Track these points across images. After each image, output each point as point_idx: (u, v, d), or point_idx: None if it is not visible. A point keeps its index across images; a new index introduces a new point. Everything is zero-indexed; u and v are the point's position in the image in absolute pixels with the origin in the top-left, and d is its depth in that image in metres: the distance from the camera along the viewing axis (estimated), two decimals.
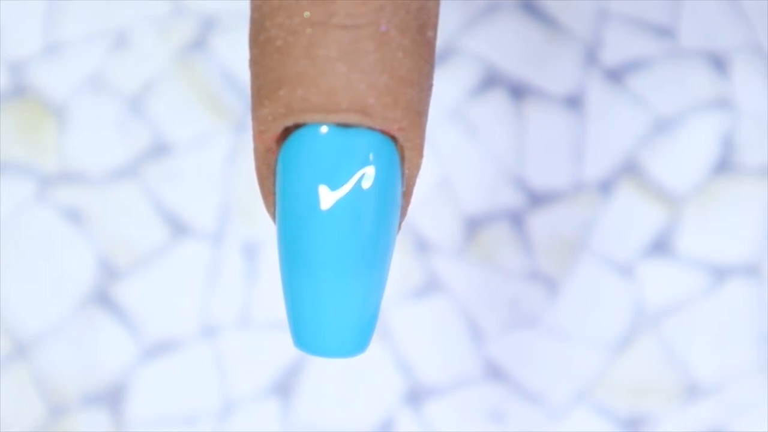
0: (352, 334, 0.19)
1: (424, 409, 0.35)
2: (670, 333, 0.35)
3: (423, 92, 0.19)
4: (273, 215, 0.20)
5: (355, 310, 0.19)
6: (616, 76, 0.36)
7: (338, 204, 0.19)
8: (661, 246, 0.35)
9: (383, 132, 0.19)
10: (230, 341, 0.35)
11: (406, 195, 0.20)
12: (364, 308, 0.19)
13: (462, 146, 0.35)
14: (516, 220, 0.35)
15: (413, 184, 0.20)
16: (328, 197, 0.19)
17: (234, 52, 0.36)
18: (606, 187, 0.35)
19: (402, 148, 0.19)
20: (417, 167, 0.20)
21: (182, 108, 0.36)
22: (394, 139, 0.19)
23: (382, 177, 0.19)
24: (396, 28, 0.18)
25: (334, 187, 0.19)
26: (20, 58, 0.36)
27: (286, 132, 0.19)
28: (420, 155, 0.20)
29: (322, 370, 0.35)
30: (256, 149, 0.20)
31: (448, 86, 0.36)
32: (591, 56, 0.36)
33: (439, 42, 0.36)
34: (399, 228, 0.20)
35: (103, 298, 0.35)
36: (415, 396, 0.35)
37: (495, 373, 0.35)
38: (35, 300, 0.35)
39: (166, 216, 0.35)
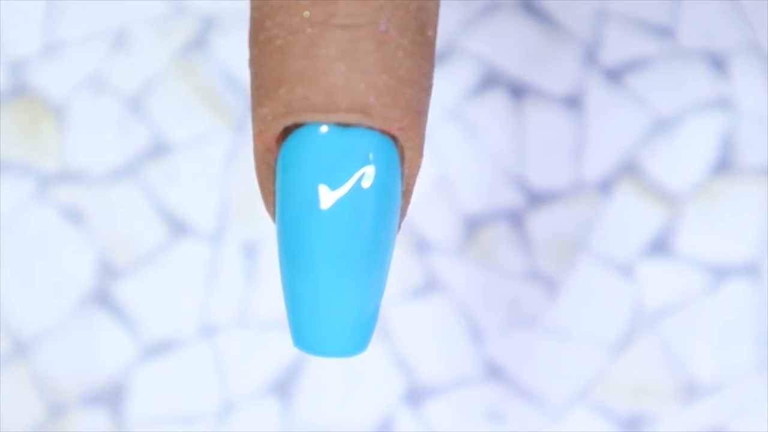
0: (352, 333, 0.19)
1: (423, 409, 0.35)
2: (669, 333, 0.35)
3: (423, 92, 0.19)
4: (273, 215, 0.20)
5: (354, 309, 0.19)
6: (615, 75, 0.36)
7: (338, 203, 0.19)
8: (660, 246, 0.35)
9: (383, 131, 0.19)
10: (230, 341, 0.35)
11: (406, 195, 0.20)
12: (363, 308, 0.19)
13: (462, 146, 0.35)
14: (515, 219, 0.35)
15: (413, 184, 0.20)
16: (327, 197, 0.19)
17: (234, 52, 0.36)
18: (606, 187, 0.35)
19: (402, 148, 0.19)
20: (417, 167, 0.20)
21: (182, 108, 0.36)
22: (393, 138, 0.19)
23: (382, 177, 0.19)
24: (396, 27, 0.18)
25: (333, 186, 0.19)
26: (20, 58, 0.36)
27: (286, 131, 0.19)
28: (420, 155, 0.20)
29: (321, 369, 0.35)
30: (255, 149, 0.20)
31: (447, 86, 0.36)
32: (591, 56, 0.36)
33: (439, 42, 0.36)
34: (399, 228, 0.20)
35: (102, 298, 0.35)
36: (415, 396, 0.35)
37: (494, 372, 0.35)
38: (35, 300, 0.35)
39: (165, 216, 0.35)
